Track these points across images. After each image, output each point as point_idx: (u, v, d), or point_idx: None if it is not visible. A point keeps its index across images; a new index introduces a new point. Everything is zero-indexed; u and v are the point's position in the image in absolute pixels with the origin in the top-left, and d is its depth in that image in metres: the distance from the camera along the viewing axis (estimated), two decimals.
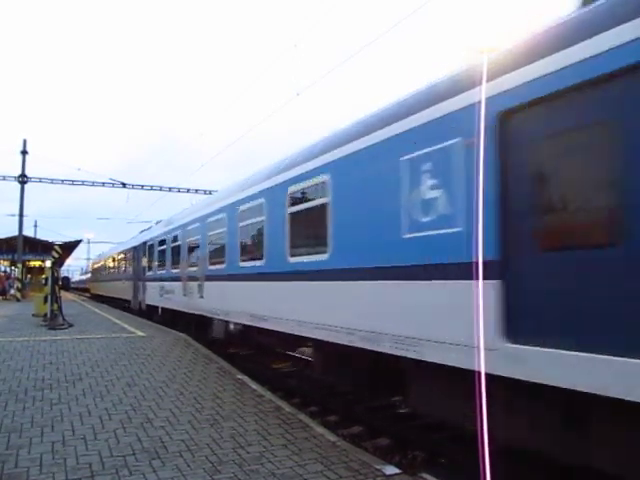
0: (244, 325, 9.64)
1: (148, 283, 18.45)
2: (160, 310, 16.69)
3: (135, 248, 22.15)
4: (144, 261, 19.45)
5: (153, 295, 17.50)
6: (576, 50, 3.63)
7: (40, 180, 33.66)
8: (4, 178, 32.84)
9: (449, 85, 4.86)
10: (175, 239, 14.73)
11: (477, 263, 4.14)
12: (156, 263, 17.22)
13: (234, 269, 9.89)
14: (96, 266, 44.25)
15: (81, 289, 71.84)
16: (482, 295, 4.09)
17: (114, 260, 31.05)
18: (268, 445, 5.11)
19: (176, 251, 14.57)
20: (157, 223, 20.32)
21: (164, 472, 4.35)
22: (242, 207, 9.63)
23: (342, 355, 6.60)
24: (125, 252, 26.02)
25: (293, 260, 7.58)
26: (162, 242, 16.35)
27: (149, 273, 18.36)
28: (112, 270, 31.88)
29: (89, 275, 58.76)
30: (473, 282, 4.17)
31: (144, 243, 19.70)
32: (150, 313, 18.59)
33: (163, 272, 15.97)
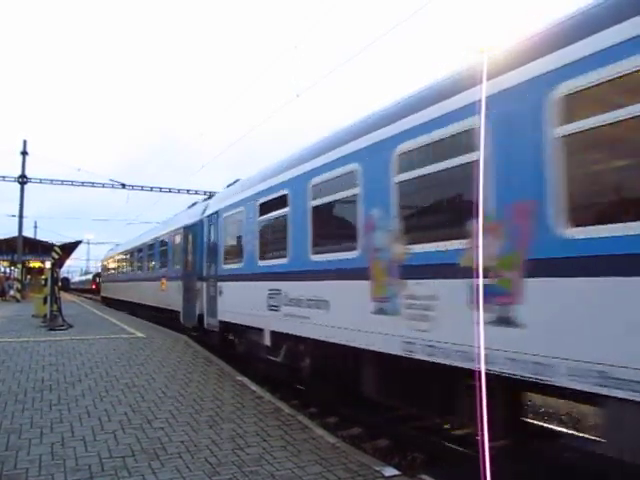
0: None
1: (224, 284, 10.77)
2: (268, 337, 8.57)
3: (188, 228, 14.25)
4: (212, 247, 11.80)
5: (242, 307, 9.77)
6: None
7: (40, 181, 33.66)
8: (4, 178, 32.85)
9: None
10: (337, 187, 6.69)
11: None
12: (251, 246, 9.39)
13: None
14: (112, 260, 32.52)
15: (81, 290, 71.47)
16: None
17: (141, 251, 22.04)
18: (267, 446, 5.11)
19: (338, 216, 7.18)
20: (229, 185, 12.52)
21: (163, 473, 4.35)
22: None
23: None
24: (166, 236, 17.45)
25: None
26: (267, 206, 8.77)
27: (226, 266, 10.77)
28: (140, 264, 22.67)
29: (100, 272, 44.86)
30: None
31: (214, 215, 11.74)
32: (226, 336, 11.11)
33: (277, 262, 8.31)
